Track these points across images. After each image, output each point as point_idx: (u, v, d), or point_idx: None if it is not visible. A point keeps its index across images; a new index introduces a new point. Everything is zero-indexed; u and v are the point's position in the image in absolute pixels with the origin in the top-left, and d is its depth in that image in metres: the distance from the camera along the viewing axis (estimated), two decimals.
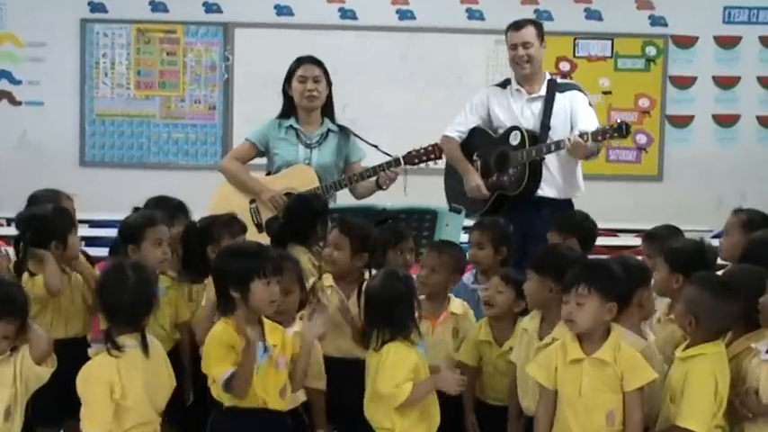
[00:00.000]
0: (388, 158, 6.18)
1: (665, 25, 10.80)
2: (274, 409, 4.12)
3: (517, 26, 6.36)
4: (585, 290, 3.95)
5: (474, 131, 6.50)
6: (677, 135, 10.88)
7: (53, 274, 4.61)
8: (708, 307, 3.91)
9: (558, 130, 6.25)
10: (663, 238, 5.08)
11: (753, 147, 10.88)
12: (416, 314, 4.29)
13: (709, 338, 3.94)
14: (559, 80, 6.57)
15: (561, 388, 4.03)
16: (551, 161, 6.26)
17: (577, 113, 6.29)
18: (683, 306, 3.99)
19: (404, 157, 6.16)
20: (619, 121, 5.97)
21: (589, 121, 6.19)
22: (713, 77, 10.86)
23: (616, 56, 10.78)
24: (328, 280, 4.87)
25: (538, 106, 6.34)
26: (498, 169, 6.32)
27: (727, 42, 10.84)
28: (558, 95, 6.34)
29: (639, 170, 10.76)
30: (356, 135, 6.37)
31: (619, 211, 9.80)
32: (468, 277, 5.42)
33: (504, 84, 6.51)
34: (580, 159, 6.21)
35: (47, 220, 4.75)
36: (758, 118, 10.90)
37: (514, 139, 6.26)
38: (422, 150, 6.21)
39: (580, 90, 6.49)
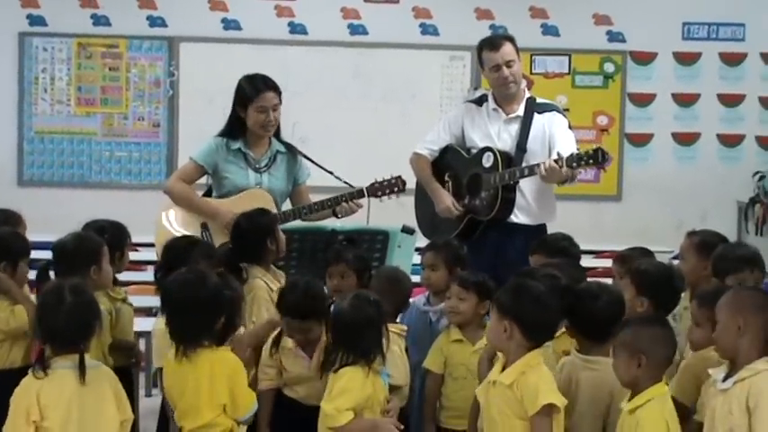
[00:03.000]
0: (338, 180, 5.99)
1: (624, 41, 10.73)
2: None
3: (495, 45, 6.02)
4: (492, 305, 4.05)
5: (446, 150, 6.24)
6: (636, 154, 10.81)
7: (32, 308, 4.54)
8: (653, 339, 3.83)
9: (535, 154, 5.98)
10: (634, 260, 4.96)
11: (713, 165, 10.82)
12: (383, 340, 4.24)
13: (656, 377, 3.83)
14: (539, 99, 6.26)
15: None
16: (526, 186, 6.00)
17: (555, 137, 6.00)
18: (626, 352, 3.82)
19: (367, 189, 5.95)
20: (595, 147, 5.71)
21: (567, 146, 5.88)
22: (672, 94, 10.80)
23: (573, 72, 10.69)
24: (289, 342, 4.62)
25: (515, 127, 6.08)
26: (470, 192, 6.09)
27: (686, 59, 10.78)
28: (537, 116, 6.07)
29: (598, 190, 10.59)
30: (310, 159, 6.13)
31: (577, 231, 9.51)
32: (419, 299, 5.31)
33: (480, 101, 6.24)
34: (554, 184, 5.93)
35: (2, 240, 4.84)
36: (719, 136, 10.83)
37: (487, 161, 6.01)
38: (385, 182, 6.00)
39: (560, 112, 6.22)
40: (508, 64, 5.99)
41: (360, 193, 5.92)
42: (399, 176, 6.02)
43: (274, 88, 5.95)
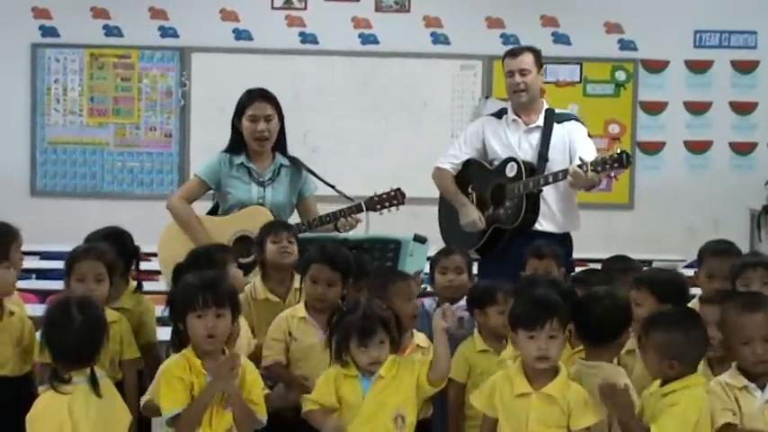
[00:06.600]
0: (339, 194, 5.98)
1: (635, 49, 10.70)
2: None
3: (514, 53, 6.21)
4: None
5: (468, 163, 6.35)
6: (648, 162, 10.76)
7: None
8: (682, 344, 3.82)
9: (556, 162, 6.09)
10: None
11: (725, 174, 10.76)
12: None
13: (690, 372, 3.84)
14: (558, 110, 6.36)
15: (506, 420, 3.99)
16: (549, 194, 6.09)
17: (576, 145, 6.12)
18: (656, 355, 3.85)
19: (365, 203, 5.94)
20: (619, 151, 5.76)
21: (588, 153, 6.00)
22: (684, 103, 10.75)
23: (585, 81, 10.66)
24: (300, 311, 4.70)
25: (536, 137, 6.19)
26: (494, 202, 6.17)
27: (698, 67, 10.73)
28: (557, 126, 6.19)
29: (610, 198, 10.50)
30: (313, 173, 6.11)
31: (589, 240, 9.59)
32: (430, 304, 5.29)
33: (500, 114, 6.35)
34: (580, 190, 5.98)
35: None
36: (731, 144, 10.78)
37: (510, 171, 6.11)
38: (384, 195, 5.99)
39: (578, 120, 6.33)
40: (522, 72, 6.13)
41: (358, 208, 5.89)
42: (399, 189, 6.00)
43: (270, 99, 5.93)
